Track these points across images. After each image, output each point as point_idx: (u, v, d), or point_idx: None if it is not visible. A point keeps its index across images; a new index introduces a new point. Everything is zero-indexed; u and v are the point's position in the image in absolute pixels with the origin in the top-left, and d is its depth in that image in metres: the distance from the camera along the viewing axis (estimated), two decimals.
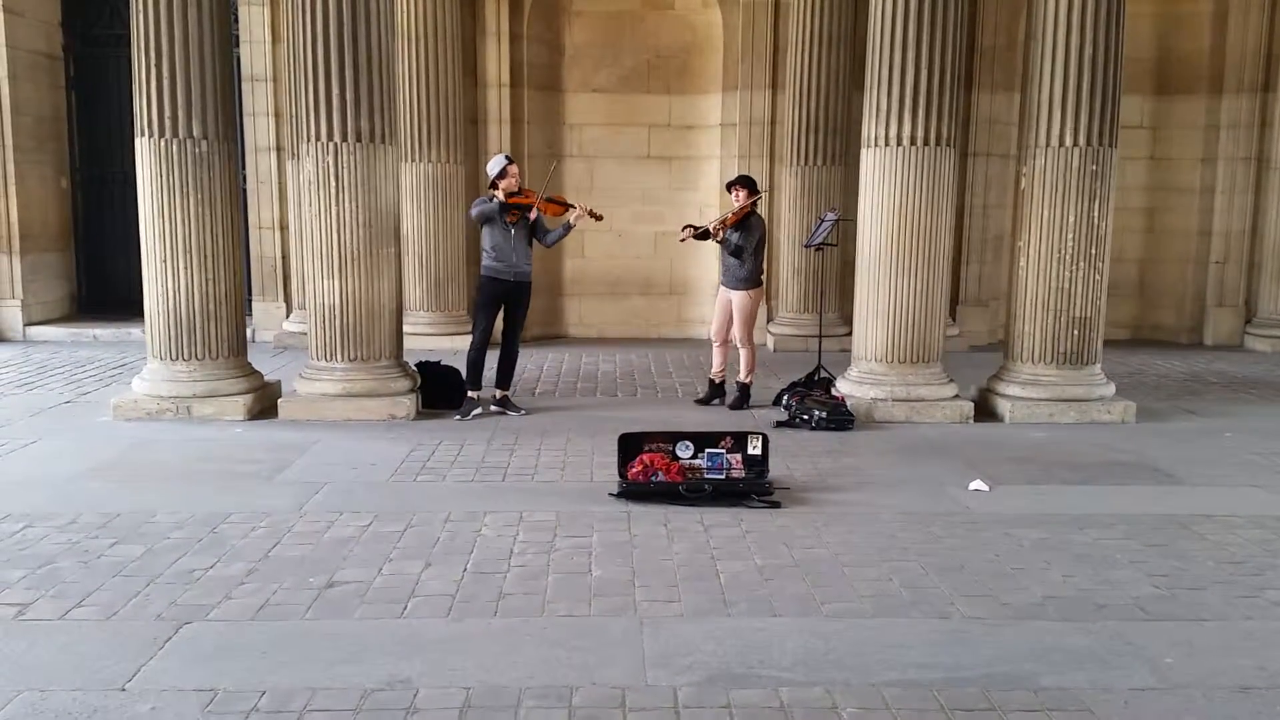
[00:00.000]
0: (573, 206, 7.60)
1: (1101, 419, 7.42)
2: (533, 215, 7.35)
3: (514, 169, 7.42)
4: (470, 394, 7.50)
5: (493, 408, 7.54)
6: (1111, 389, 7.61)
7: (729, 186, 7.93)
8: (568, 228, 7.61)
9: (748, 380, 7.88)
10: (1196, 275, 11.52)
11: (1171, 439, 7.01)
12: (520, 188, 7.47)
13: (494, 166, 7.45)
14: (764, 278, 7.99)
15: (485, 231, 7.38)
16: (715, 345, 8.01)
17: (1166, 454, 6.57)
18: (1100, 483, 5.96)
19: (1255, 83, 10.98)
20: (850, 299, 8.01)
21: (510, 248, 7.36)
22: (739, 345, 7.85)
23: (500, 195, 7.35)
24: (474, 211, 7.39)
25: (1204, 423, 7.54)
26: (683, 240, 8.05)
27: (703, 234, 7.81)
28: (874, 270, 7.41)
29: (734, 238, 7.67)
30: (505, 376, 7.63)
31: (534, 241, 7.53)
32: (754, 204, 7.75)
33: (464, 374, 7.60)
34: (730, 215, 7.76)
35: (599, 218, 7.71)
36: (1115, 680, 3.46)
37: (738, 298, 7.78)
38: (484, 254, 7.46)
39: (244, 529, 4.90)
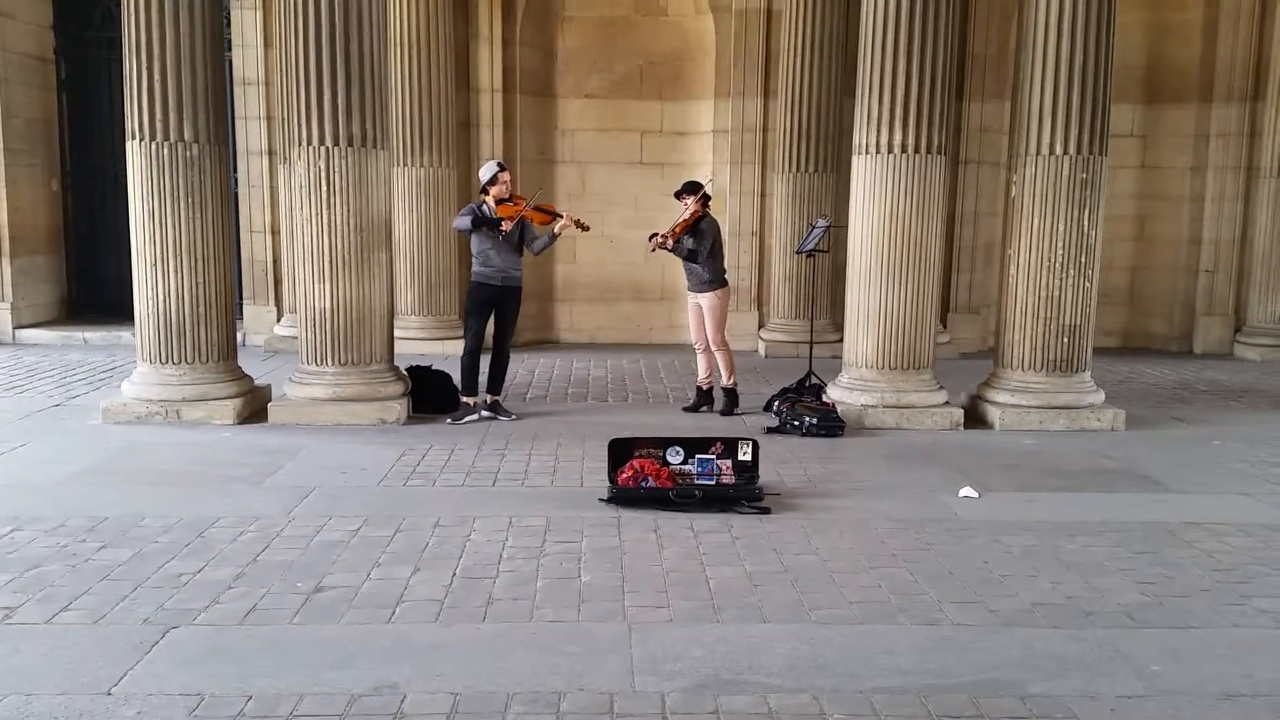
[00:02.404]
0: (560, 216, 7.61)
1: (1091, 426, 7.43)
2: (506, 227, 7.32)
3: (505, 176, 7.45)
4: (465, 399, 7.49)
5: (484, 413, 7.53)
6: (1101, 396, 7.63)
7: (677, 195, 7.87)
8: (553, 236, 7.61)
9: (731, 384, 7.87)
10: (1186, 283, 11.55)
11: (1161, 447, 7.02)
12: (511, 194, 7.48)
13: (486, 172, 7.51)
14: (727, 277, 7.98)
15: (474, 238, 7.40)
16: (699, 352, 8.01)
17: (1155, 462, 6.59)
18: (1089, 490, 5.97)
19: (1245, 92, 11.02)
20: (841, 306, 8.02)
21: (498, 253, 7.37)
22: (713, 349, 7.84)
23: (491, 201, 7.37)
24: (455, 224, 7.44)
25: (1193, 431, 7.57)
26: (652, 251, 8.01)
27: (662, 244, 7.77)
28: (865, 277, 7.43)
29: (686, 243, 7.67)
30: (496, 381, 7.64)
31: (523, 248, 7.55)
32: (704, 208, 7.75)
33: (457, 379, 7.60)
34: (679, 223, 7.72)
35: (585, 228, 7.70)
36: (1102, 687, 3.47)
37: (705, 300, 7.79)
38: (473, 259, 7.48)
39: (232, 533, 4.89)
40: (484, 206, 7.40)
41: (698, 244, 7.65)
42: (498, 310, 7.56)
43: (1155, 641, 3.86)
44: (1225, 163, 11.18)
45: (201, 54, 6.99)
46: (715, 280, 7.77)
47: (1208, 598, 4.31)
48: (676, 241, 7.66)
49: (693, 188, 7.80)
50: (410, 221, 10.34)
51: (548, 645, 3.73)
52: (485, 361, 7.57)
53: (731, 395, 7.86)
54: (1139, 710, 3.33)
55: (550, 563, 4.59)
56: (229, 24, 10.29)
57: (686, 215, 7.70)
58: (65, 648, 3.65)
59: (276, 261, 10.97)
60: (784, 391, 7.79)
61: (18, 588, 4.18)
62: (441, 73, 10.36)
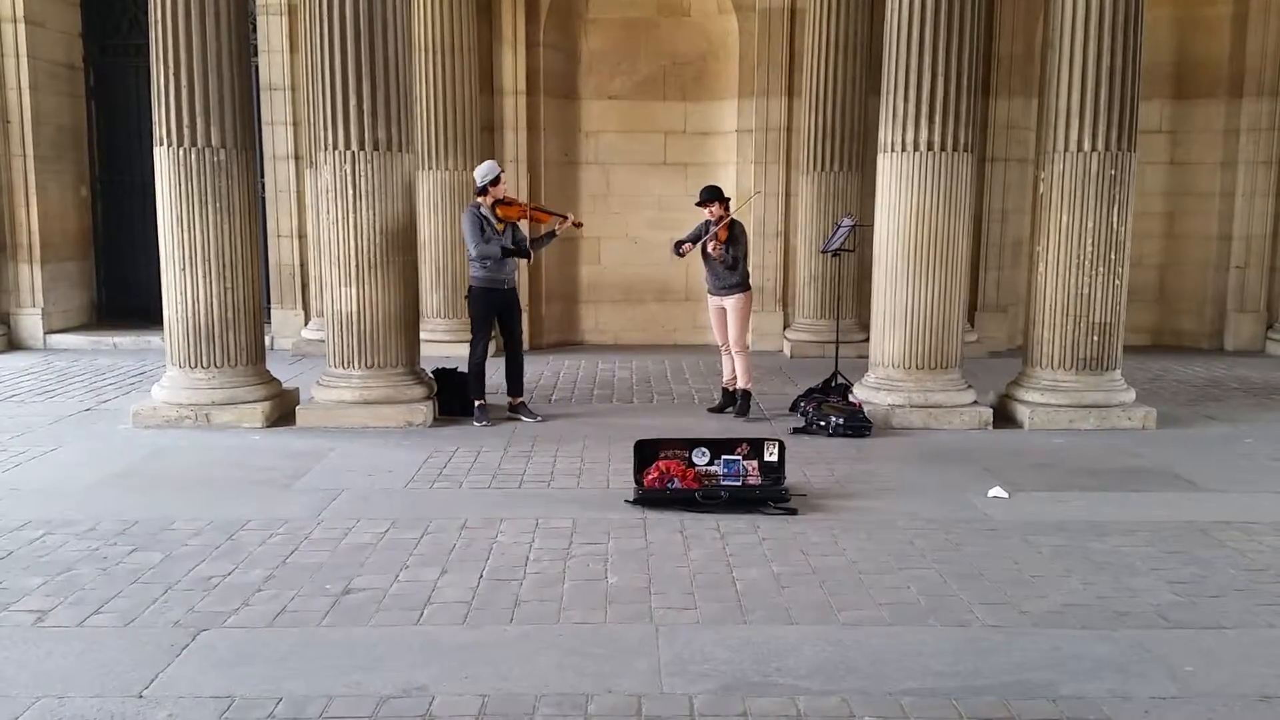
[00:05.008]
0: (558, 216, 7.84)
1: (1122, 425, 7.36)
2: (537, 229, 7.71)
3: (504, 177, 7.71)
4: (478, 403, 7.48)
5: (507, 413, 7.54)
6: (1132, 395, 7.56)
7: (699, 204, 7.74)
8: (551, 234, 7.70)
9: (747, 386, 7.82)
10: (1217, 280, 11.42)
11: (1192, 445, 6.95)
12: (507, 197, 7.53)
13: (490, 172, 7.43)
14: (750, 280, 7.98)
15: (476, 244, 7.36)
16: (724, 353, 7.96)
17: (1187, 460, 6.51)
18: (1120, 489, 5.91)
19: (1275, 86, 10.86)
20: (867, 305, 7.98)
21: (502, 260, 7.41)
22: (735, 352, 7.78)
23: (487, 202, 7.39)
24: (482, 251, 7.31)
25: (1225, 429, 7.48)
26: (682, 254, 7.90)
27: (706, 256, 7.66)
28: (891, 276, 7.38)
29: (730, 251, 7.63)
30: (517, 384, 7.65)
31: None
32: (728, 212, 7.71)
33: (470, 386, 7.55)
34: (721, 231, 7.59)
35: (579, 224, 7.96)
36: (1135, 689, 3.43)
37: (732, 302, 7.73)
38: (473, 265, 7.47)
39: (261, 536, 4.92)
40: (480, 209, 7.40)
41: (737, 250, 7.61)
42: (504, 313, 7.59)
43: (1189, 642, 3.81)
44: (1256, 157, 11.03)
45: (228, 60, 7.03)
46: (744, 283, 7.73)
47: (1241, 598, 4.26)
48: (724, 251, 7.57)
49: (715, 194, 7.71)
50: (435, 225, 10.37)
51: (575, 647, 3.73)
52: (496, 366, 7.62)
53: (747, 398, 7.78)
54: (1173, 712, 3.29)
55: (577, 564, 4.59)
56: (255, 30, 10.37)
57: (721, 224, 7.58)
58: (97, 651, 3.68)
59: (303, 265, 11.06)
60: (810, 392, 7.76)
61: (50, 591, 4.22)
62: (465, 76, 10.40)
